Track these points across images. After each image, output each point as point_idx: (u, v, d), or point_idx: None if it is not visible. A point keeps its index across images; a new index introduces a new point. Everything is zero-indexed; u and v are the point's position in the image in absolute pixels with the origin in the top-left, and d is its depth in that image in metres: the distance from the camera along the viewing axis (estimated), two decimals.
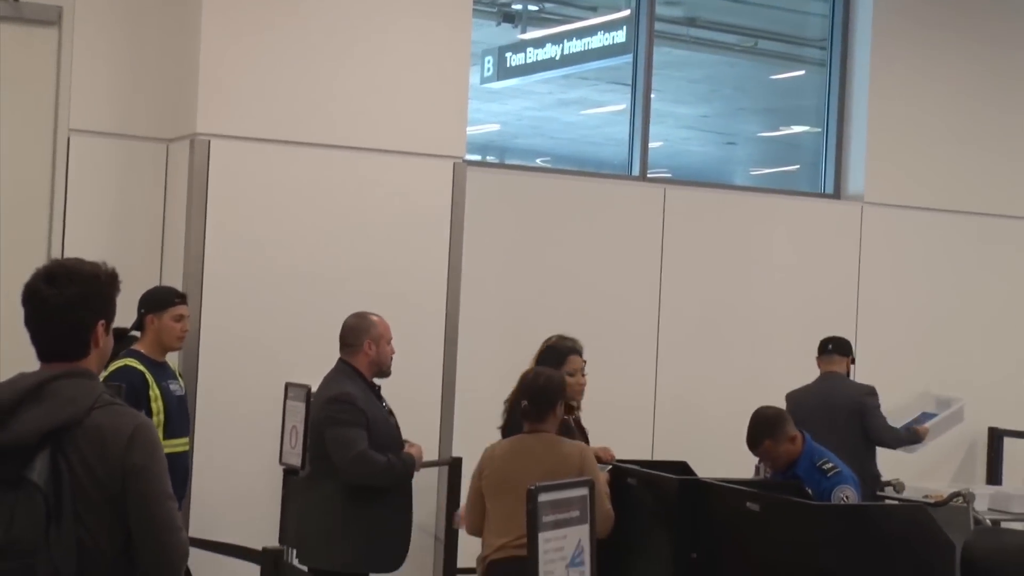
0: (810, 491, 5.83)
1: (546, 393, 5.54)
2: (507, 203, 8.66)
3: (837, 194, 9.93)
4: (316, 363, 6.51)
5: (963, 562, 5.80)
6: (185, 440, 6.33)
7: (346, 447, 5.90)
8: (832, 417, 7.81)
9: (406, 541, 6.10)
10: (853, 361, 8.38)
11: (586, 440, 6.50)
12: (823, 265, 9.62)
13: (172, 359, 6.56)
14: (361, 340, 6.20)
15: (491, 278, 8.47)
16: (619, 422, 7.06)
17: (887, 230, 9.82)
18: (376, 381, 6.27)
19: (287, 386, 6.56)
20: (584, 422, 6.58)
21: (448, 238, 7.88)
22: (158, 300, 6.34)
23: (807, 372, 8.34)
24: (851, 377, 8.39)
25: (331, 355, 6.45)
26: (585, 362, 6.57)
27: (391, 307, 6.72)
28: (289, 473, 6.42)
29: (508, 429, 6.26)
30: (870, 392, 8.15)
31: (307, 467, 6.23)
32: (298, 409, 6.32)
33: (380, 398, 6.24)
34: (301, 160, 7.57)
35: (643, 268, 9.04)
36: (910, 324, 9.77)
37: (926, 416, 9.09)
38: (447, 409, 7.73)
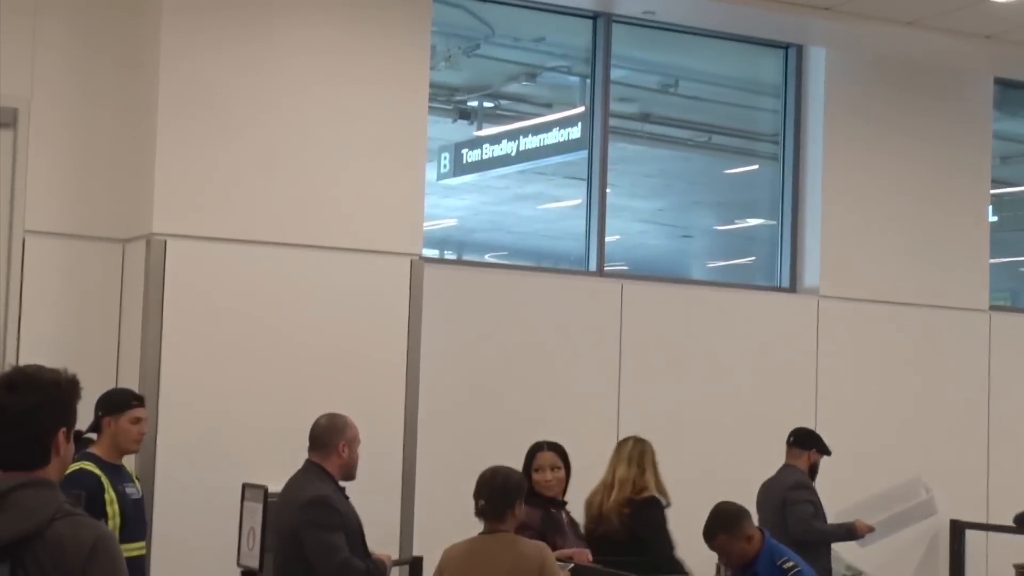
0: None
1: (504, 493, 5.53)
2: (465, 299, 8.71)
3: (793, 287, 10.04)
4: (274, 464, 6.49)
5: None
6: (142, 544, 6.30)
7: (330, 553, 5.83)
8: (770, 511, 7.88)
9: None
10: (822, 453, 8.24)
11: (579, 535, 6.54)
12: (781, 359, 9.70)
13: (128, 461, 6.54)
14: (336, 441, 6.15)
15: (450, 374, 8.48)
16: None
17: (843, 323, 9.91)
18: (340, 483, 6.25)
19: (244, 487, 6.55)
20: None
21: (406, 335, 7.91)
22: (116, 403, 6.33)
23: (767, 466, 8.37)
24: (816, 471, 8.27)
25: (290, 455, 6.44)
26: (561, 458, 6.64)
27: (349, 405, 6.71)
28: (247, 575, 6.39)
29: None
30: (795, 485, 8.00)
31: (273, 571, 6.16)
32: (255, 510, 6.31)
33: (346, 498, 6.21)
34: (258, 259, 7.61)
35: (602, 363, 9.09)
36: (869, 416, 9.83)
37: (890, 510, 8.97)
38: (407, 507, 7.71)
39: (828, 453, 8.26)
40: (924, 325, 10.18)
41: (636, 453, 7.33)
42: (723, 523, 6.11)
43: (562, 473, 6.70)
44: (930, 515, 9.19)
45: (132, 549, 6.04)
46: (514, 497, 5.55)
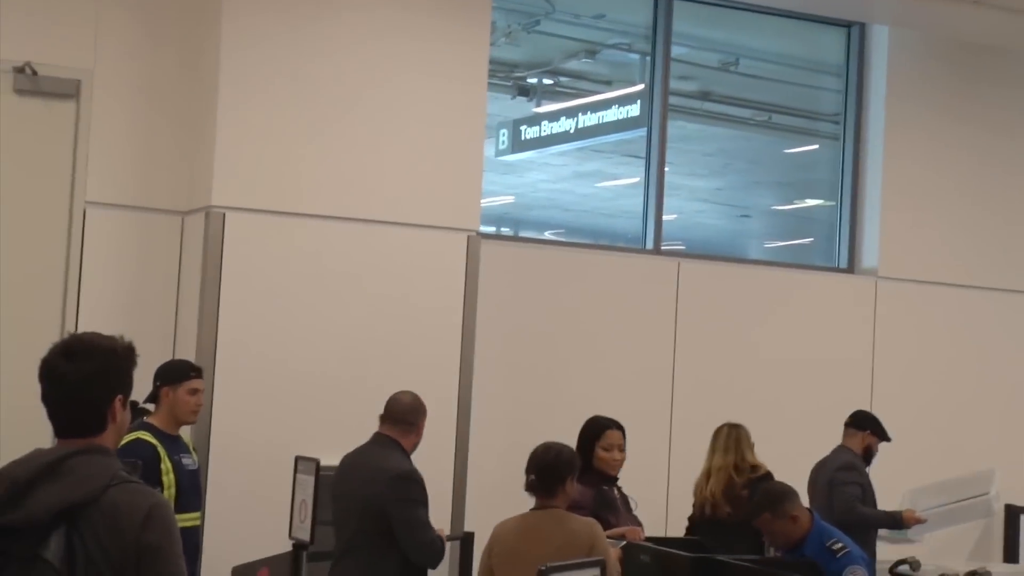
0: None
1: (556, 468, 5.51)
2: (521, 276, 8.72)
3: (851, 268, 9.98)
4: (327, 438, 6.52)
5: None
6: (197, 515, 6.35)
7: (421, 529, 5.91)
8: (816, 491, 7.87)
9: None
10: (879, 437, 8.17)
11: (630, 510, 6.54)
12: (837, 340, 9.65)
13: (185, 432, 6.60)
14: (419, 420, 6.20)
15: (504, 351, 8.50)
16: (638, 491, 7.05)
17: (902, 305, 9.85)
18: None
19: (297, 460, 6.55)
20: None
21: (462, 310, 7.93)
22: (174, 373, 6.38)
23: (820, 449, 8.33)
24: (872, 455, 8.23)
25: (343, 430, 6.47)
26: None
27: (404, 380, 6.73)
28: (299, 547, 6.41)
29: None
30: (844, 466, 7.97)
31: (341, 542, 6.18)
32: (307, 483, 6.31)
33: None
34: (315, 232, 7.65)
35: (657, 342, 9.08)
36: (926, 400, 9.76)
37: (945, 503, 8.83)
38: (459, 483, 7.75)
39: (887, 439, 8.19)
40: (984, 308, 10.10)
41: (732, 440, 7.40)
42: (768, 502, 6.12)
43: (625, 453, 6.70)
44: (987, 515, 9.05)
45: (187, 519, 6.09)
46: (566, 473, 5.53)
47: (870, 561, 6.07)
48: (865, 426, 8.16)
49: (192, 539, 6.19)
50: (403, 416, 6.20)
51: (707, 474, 7.35)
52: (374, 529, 6.01)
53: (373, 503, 6.00)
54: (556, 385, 8.64)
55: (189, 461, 6.33)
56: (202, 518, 6.56)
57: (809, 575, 5.61)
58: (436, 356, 7.82)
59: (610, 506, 6.36)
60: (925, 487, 8.84)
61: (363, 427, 7.33)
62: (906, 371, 9.81)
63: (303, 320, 7.59)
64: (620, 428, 6.65)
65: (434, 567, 6.01)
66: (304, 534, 6.34)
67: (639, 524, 6.52)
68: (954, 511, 8.70)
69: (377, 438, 6.22)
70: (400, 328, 7.76)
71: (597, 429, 6.58)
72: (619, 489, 6.61)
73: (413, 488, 5.97)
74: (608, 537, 5.77)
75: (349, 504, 6.15)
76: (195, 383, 6.38)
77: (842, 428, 8.30)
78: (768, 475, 7.25)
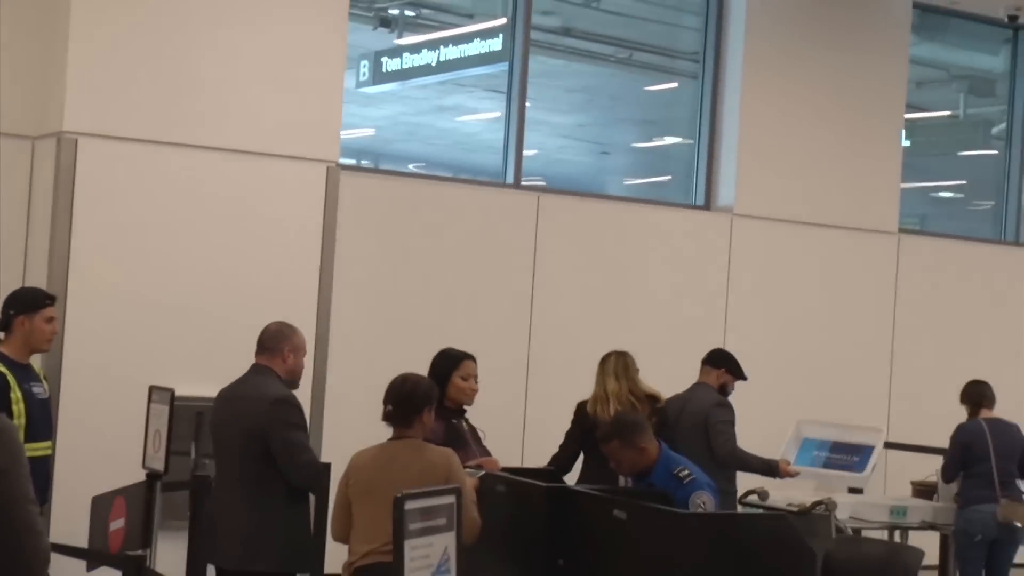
0: None
1: (412, 399, 5.46)
2: (381, 208, 8.66)
3: (708, 206, 10.09)
4: (181, 368, 6.41)
5: (824, 571, 5.94)
6: (48, 444, 6.21)
7: (299, 452, 5.90)
8: (685, 427, 7.85)
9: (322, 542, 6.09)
10: (736, 376, 8.19)
11: (479, 442, 6.58)
12: (694, 276, 9.78)
13: (35, 360, 6.44)
14: (281, 346, 6.11)
15: (364, 284, 8.46)
16: (489, 432, 7.06)
17: (756, 242, 9.99)
18: None
19: (151, 389, 6.44)
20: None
21: (320, 243, 7.85)
22: (29, 301, 6.18)
23: (676, 381, 8.42)
24: (728, 393, 8.22)
25: (197, 360, 6.37)
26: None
27: (260, 311, 6.65)
28: (152, 477, 6.30)
29: (559, 460, 7.23)
30: (720, 404, 8.01)
31: (220, 472, 6.13)
32: (162, 413, 6.19)
33: None
34: (170, 160, 7.49)
35: (516, 276, 9.11)
36: (778, 336, 9.95)
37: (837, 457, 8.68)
38: (316, 415, 7.68)
39: (743, 377, 8.25)
40: (835, 246, 10.29)
41: (620, 367, 7.47)
42: (618, 429, 6.21)
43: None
44: (859, 485, 8.76)
45: (38, 449, 5.96)
46: (422, 403, 5.49)
47: (717, 488, 6.12)
48: (721, 364, 8.22)
49: (43, 469, 6.06)
50: (265, 343, 6.17)
51: (603, 399, 7.37)
52: (255, 456, 5.98)
53: (252, 430, 5.97)
54: (415, 317, 8.62)
55: (40, 390, 6.19)
56: (53, 448, 6.42)
57: (660, 503, 5.64)
58: (294, 287, 7.74)
59: (460, 438, 6.37)
60: (815, 420, 8.88)
61: (219, 357, 7.31)
62: (759, 307, 9.97)
63: (158, 250, 7.45)
64: (474, 359, 6.67)
65: (314, 490, 5.97)
66: (158, 464, 6.21)
67: (489, 455, 6.54)
68: (829, 476, 8.60)
69: (253, 368, 6.18)
70: (258, 259, 7.67)
71: (453, 360, 6.59)
72: (467, 421, 6.62)
73: (290, 412, 5.94)
74: (466, 467, 5.77)
75: (230, 433, 6.10)
76: (51, 311, 6.22)
77: (698, 363, 8.37)
78: (664, 406, 7.40)
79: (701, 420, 7.91)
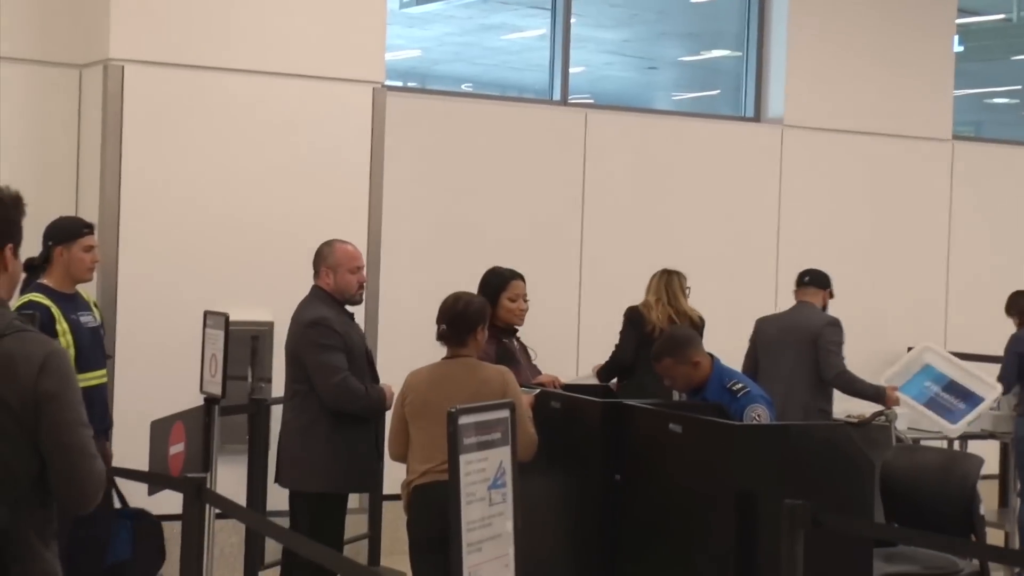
0: None
1: (465, 318, 5.49)
2: (428, 129, 8.60)
3: (758, 117, 9.97)
4: (236, 293, 6.44)
5: (883, 480, 5.91)
6: (102, 372, 6.20)
7: (329, 373, 5.94)
8: (789, 347, 7.76)
9: (380, 463, 6.17)
10: (831, 295, 8.08)
11: (530, 361, 6.59)
12: (744, 189, 9.68)
13: (86, 289, 6.41)
14: (319, 266, 6.19)
15: (413, 204, 8.43)
16: (542, 351, 7.04)
17: (808, 153, 9.87)
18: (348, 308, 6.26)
19: (206, 314, 6.48)
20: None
21: (369, 164, 7.81)
22: (66, 231, 6.11)
23: (728, 296, 8.41)
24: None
25: (250, 284, 6.39)
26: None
27: (311, 235, 6.63)
28: (211, 402, 6.35)
29: (614, 365, 7.39)
30: (831, 323, 7.85)
31: (286, 393, 6.21)
32: (217, 337, 6.25)
33: (352, 318, 6.24)
34: (216, 85, 7.45)
35: (564, 194, 9.05)
36: (829, 246, 9.80)
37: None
38: (370, 336, 7.63)
39: (833, 294, 8.13)
40: (887, 155, 10.15)
41: (663, 285, 7.54)
42: (670, 346, 6.17)
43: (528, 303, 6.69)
44: (950, 435, 8.53)
45: (91, 378, 5.95)
46: (476, 322, 5.51)
47: (771, 402, 6.08)
48: (825, 284, 8.03)
49: (100, 397, 6.07)
50: (314, 263, 6.23)
51: (647, 305, 7.50)
52: (298, 378, 6.08)
53: (293, 353, 6.10)
54: (465, 237, 8.59)
55: (89, 319, 6.14)
56: (111, 375, 6.42)
57: (715, 416, 5.62)
58: (344, 209, 7.70)
59: (511, 358, 6.36)
60: (941, 352, 8.74)
61: (272, 281, 7.32)
62: (812, 219, 9.87)
63: (207, 174, 7.43)
64: (523, 279, 6.64)
65: (349, 410, 5.99)
66: (215, 388, 6.31)
67: (540, 374, 6.55)
68: (923, 418, 8.35)
69: (311, 291, 6.24)
70: (307, 181, 7.64)
71: (502, 280, 6.57)
72: (518, 340, 6.61)
73: (321, 333, 5.97)
74: (522, 387, 5.78)
75: (286, 356, 6.21)
76: (89, 239, 6.15)
77: (751, 276, 8.29)
78: (700, 327, 7.35)
79: (810, 340, 7.75)
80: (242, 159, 7.51)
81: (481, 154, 8.79)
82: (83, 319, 6.07)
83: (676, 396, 6.37)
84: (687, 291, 7.62)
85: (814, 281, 8.05)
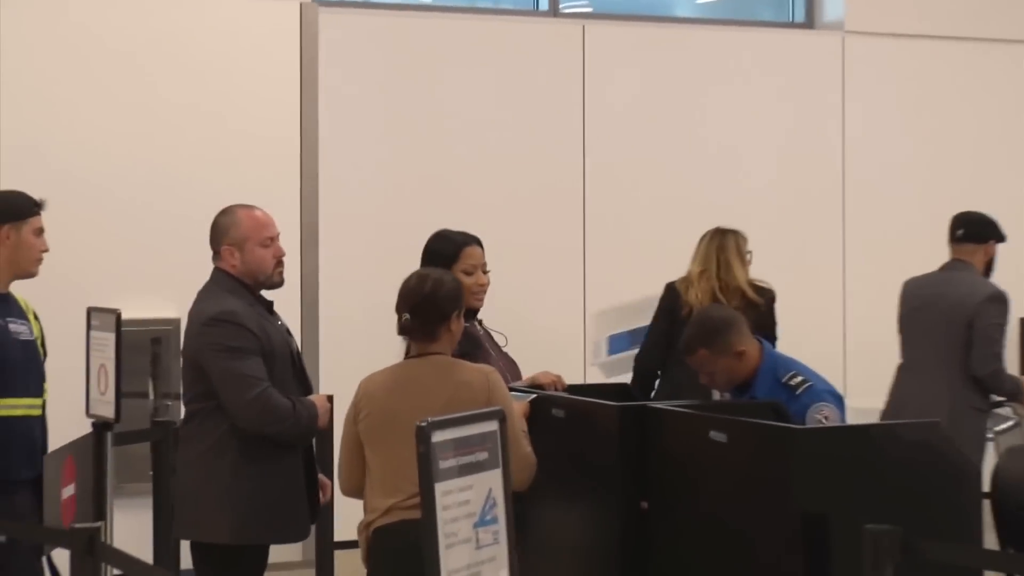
0: None
1: (435, 302, 5.44)
2: (375, 56, 8.67)
3: (811, 23, 10.08)
4: (128, 282, 6.37)
5: (998, 491, 5.91)
6: (36, 401, 6.13)
7: (241, 385, 5.82)
8: (934, 323, 7.68)
9: (313, 505, 6.11)
10: (999, 239, 7.85)
11: (501, 351, 6.54)
12: (799, 113, 9.83)
13: (16, 289, 6.26)
14: (218, 244, 6.06)
15: (358, 157, 8.55)
16: (539, 339, 7.05)
17: (874, 63, 10.03)
18: (266, 295, 6.16)
19: (90, 312, 6.42)
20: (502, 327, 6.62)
21: (298, 107, 8.00)
22: (14, 208, 6.10)
23: (791, 247, 8.39)
24: (990, 272, 7.86)
25: (147, 270, 6.41)
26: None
27: (230, 188, 6.74)
28: (101, 428, 6.33)
29: (643, 360, 7.41)
30: (993, 297, 7.63)
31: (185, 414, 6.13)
32: (106, 342, 6.15)
33: (272, 312, 6.13)
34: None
35: (560, 130, 9.15)
36: (907, 168, 10.02)
37: None
38: (309, 328, 7.79)
39: (1004, 239, 7.91)
40: (963, 59, 10.36)
41: (713, 249, 7.59)
42: (702, 334, 6.10)
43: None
44: None
45: (18, 406, 5.96)
46: (449, 308, 5.46)
47: (841, 397, 6.07)
48: (986, 234, 7.82)
49: (25, 431, 5.99)
50: (210, 241, 6.09)
51: (688, 280, 7.54)
52: (197, 391, 5.97)
53: (191, 358, 5.98)
54: (430, 195, 8.66)
55: (23, 329, 6.09)
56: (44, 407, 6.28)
57: (769, 417, 5.54)
58: (271, 169, 7.91)
59: (476, 346, 6.30)
60: None
61: (175, 267, 7.32)
62: (884, 138, 10.04)
63: (83, 126, 7.54)
64: (480, 243, 6.50)
65: (272, 433, 5.87)
66: (106, 410, 6.23)
67: (515, 365, 6.50)
68: None
69: (211, 277, 6.12)
70: (226, 115, 7.87)
71: (452, 247, 6.42)
72: (481, 323, 6.53)
73: (227, 331, 5.85)
74: (513, 390, 5.80)
75: (183, 364, 6.10)
76: (39, 220, 6.12)
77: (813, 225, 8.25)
78: (758, 304, 7.41)
79: (963, 318, 7.62)
80: (130, 104, 7.63)
81: (448, 87, 8.86)
82: (13, 327, 6.02)
83: (717, 396, 6.36)
84: (748, 256, 7.63)
85: (969, 234, 7.80)
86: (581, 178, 9.20)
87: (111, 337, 6.17)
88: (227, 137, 7.76)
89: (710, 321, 6.24)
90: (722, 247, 7.57)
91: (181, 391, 6.12)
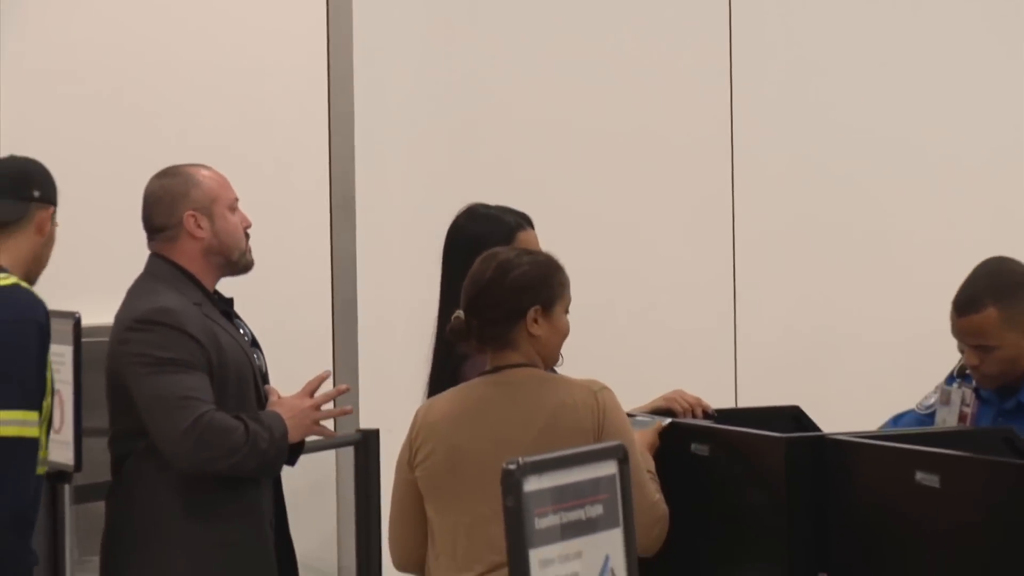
0: None
1: (511, 292, 5.40)
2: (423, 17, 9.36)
3: None
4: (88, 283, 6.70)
5: None
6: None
7: (171, 407, 5.84)
8: None
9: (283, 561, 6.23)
10: None
11: None
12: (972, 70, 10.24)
13: None
14: (176, 214, 6.13)
15: (401, 129, 9.09)
16: (678, 357, 7.02)
17: None
18: (223, 290, 6.34)
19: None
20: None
21: (325, 79, 8.79)
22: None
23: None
24: None
25: (116, 257, 6.63)
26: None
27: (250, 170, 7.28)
28: (56, 479, 6.32)
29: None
30: None
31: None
32: (62, 358, 6.15)
33: (231, 315, 6.26)
34: None
35: (696, 90, 9.65)
36: None
37: None
38: (346, 337, 7.90)
39: None
40: None
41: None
42: (999, 288, 6.00)
43: None
44: None
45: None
46: (527, 300, 5.40)
47: None
48: None
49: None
50: (148, 219, 6.23)
51: None
52: (124, 424, 6.07)
53: (113, 373, 6.07)
54: (487, 178, 8.91)
55: None
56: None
57: (1003, 451, 5.45)
58: (293, 154, 8.60)
59: None
60: None
61: None
62: None
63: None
64: (532, 225, 6.62)
65: (220, 470, 5.89)
66: (62, 454, 6.20)
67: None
68: None
69: (146, 265, 6.26)
70: (224, 108, 8.59)
71: (505, 230, 6.50)
72: None
73: (156, 335, 5.92)
74: (632, 417, 5.82)
75: (106, 386, 6.18)
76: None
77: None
78: None
79: None
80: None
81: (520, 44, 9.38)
82: None
83: (940, 418, 6.28)
84: None
85: None
86: (728, 146, 9.64)
87: (68, 351, 6.16)
88: (234, 115, 8.54)
89: (1010, 274, 6.14)
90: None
91: (108, 425, 6.18)
